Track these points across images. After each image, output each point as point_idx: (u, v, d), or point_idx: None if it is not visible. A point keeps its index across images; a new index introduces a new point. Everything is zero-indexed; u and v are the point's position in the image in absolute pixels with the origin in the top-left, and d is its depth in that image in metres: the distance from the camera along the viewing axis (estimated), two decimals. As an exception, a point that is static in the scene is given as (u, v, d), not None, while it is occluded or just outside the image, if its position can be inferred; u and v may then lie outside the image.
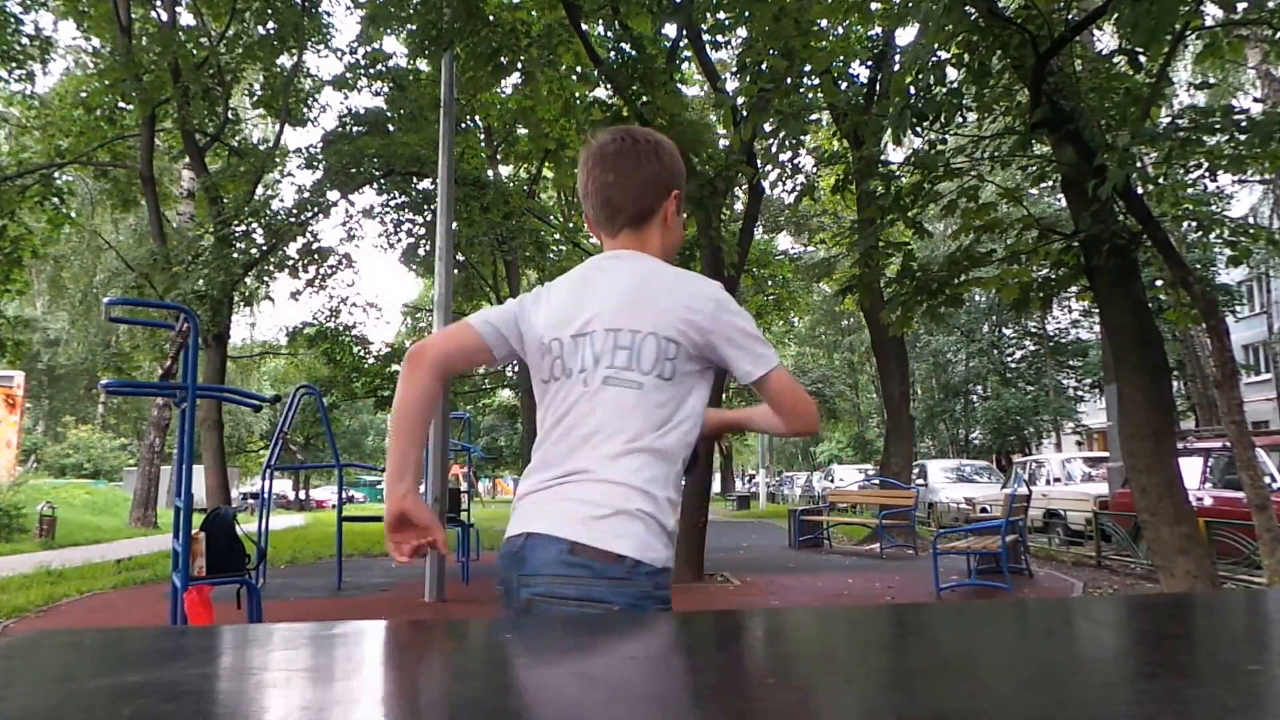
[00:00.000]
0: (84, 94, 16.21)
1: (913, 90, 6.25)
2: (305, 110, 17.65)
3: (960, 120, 6.85)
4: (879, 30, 11.38)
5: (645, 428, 1.52)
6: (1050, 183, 8.29)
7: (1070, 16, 6.72)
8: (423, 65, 14.88)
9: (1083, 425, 33.61)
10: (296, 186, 16.22)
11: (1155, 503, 6.05)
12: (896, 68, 10.12)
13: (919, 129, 6.36)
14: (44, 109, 16.67)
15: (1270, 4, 6.10)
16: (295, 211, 14.50)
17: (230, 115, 16.96)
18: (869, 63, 12.48)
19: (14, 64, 14.94)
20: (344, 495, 11.34)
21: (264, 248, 14.45)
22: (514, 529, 1.56)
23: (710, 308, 1.57)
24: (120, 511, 22.23)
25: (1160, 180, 6.58)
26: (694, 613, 1.57)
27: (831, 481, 28.99)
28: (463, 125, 15.04)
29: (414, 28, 10.34)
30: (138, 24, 15.65)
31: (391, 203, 15.89)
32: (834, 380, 32.64)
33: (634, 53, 10.59)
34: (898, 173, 7.76)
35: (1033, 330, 31.80)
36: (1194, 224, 7.48)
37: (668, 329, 1.55)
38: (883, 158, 8.28)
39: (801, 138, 8.33)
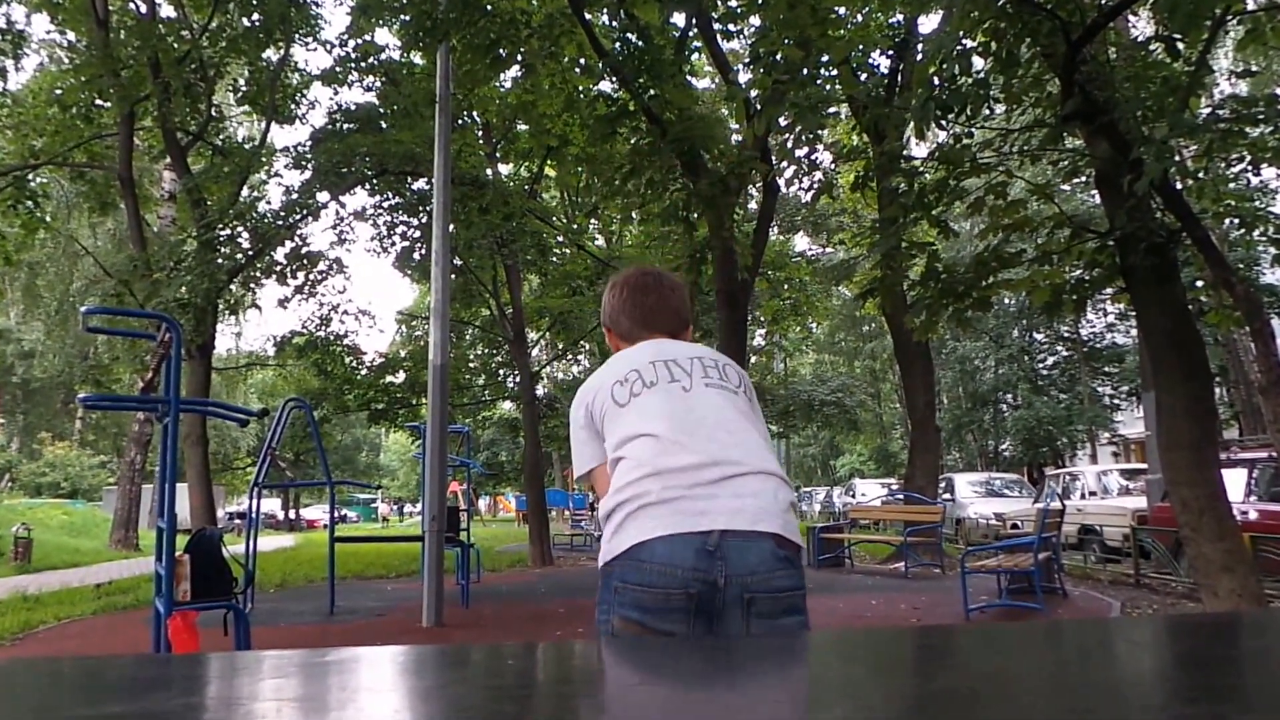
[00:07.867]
0: (59, 91, 16.29)
1: (937, 81, 6.25)
2: (293, 107, 17.74)
3: (987, 112, 6.84)
4: (901, 17, 11.38)
5: (760, 428, 1.78)
6: (1083, 178, 8.27)
7: (1104, 1, 6.71)
8: (417, 58, 14.95)
9: (1119, 435, 33.47)
10: (284, 187, 16.35)
11: (1197, 517, 6.03)
12: (920, 57, 10.12)
13: (943, 122, 6.36)
14: (16, 107, 16.77)
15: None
16: (283, 214, 14.56)
17: (214, 112, 17.05)
18: (890, 52, 12.49)
19: (-15, 60, 15.07)
20: (336, 515, 11.35)
21: (250, 252, 14.51)
22: (687, 527, 1.59)
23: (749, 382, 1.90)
24: (100, 533, 22.28)
25: (1200, 174, 6.55)
26: (711, 639, 1.58)
27: (853, 497, 28.93)
28: (460, 121, 15.09)
29: (407, 18, 10.38)
30: (115, 17, 15.76)
31: (385, 204, 15.94)
32: (855, 389, 32.47)
33: (641, 43, 10.61)
34: (921, 169, 7.75)
35: (1065, 335, 31.74)
36: (1236, 221, 7.46)
37: (744, 376, 1.86)
38: (905, 153, 8.28)
39: (819, 132, 8.33)
